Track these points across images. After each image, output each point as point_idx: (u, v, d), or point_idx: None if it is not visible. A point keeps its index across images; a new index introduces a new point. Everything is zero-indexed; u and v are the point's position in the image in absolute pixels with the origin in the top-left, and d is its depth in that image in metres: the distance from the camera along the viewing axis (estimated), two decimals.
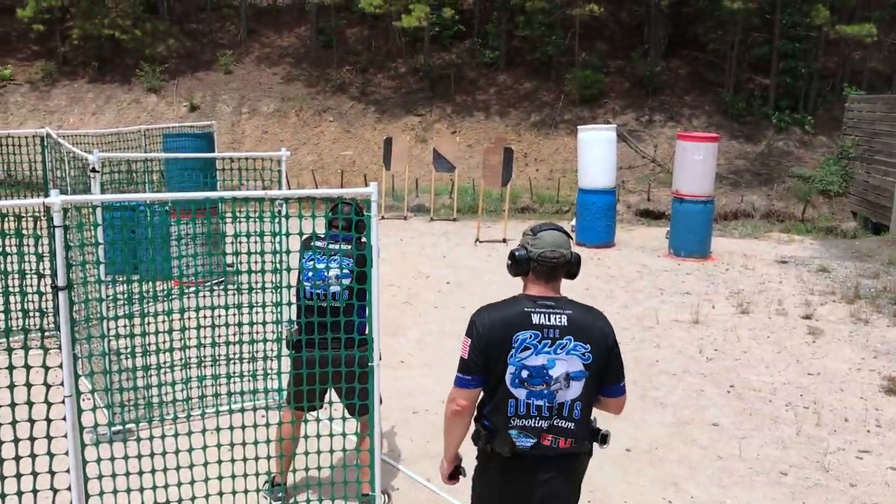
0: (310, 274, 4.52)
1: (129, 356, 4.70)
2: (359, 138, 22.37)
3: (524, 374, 3.00)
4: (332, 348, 4.35)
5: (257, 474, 4.44)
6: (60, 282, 3.61)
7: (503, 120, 22.42)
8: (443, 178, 18.05)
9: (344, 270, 4.52)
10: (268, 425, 4.50)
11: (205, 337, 4.66)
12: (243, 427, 4.36)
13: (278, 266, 4.46)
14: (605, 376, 3.12)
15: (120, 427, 5.53)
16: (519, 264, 3.13)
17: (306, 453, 4.43)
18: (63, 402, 3.67)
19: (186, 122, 18.86)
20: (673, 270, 11.83)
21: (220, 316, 4.65)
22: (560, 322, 3.03)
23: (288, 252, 4.42)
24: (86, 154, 6.18)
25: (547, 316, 3.03)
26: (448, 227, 15.68)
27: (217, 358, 4.66)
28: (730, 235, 15.11)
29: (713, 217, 13.38)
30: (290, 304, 4.63)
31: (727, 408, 6.67)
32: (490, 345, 3.01)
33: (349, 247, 4.49)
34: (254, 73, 25.31)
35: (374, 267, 4.12)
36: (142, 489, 4.08)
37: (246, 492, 4.35)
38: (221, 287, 5.30)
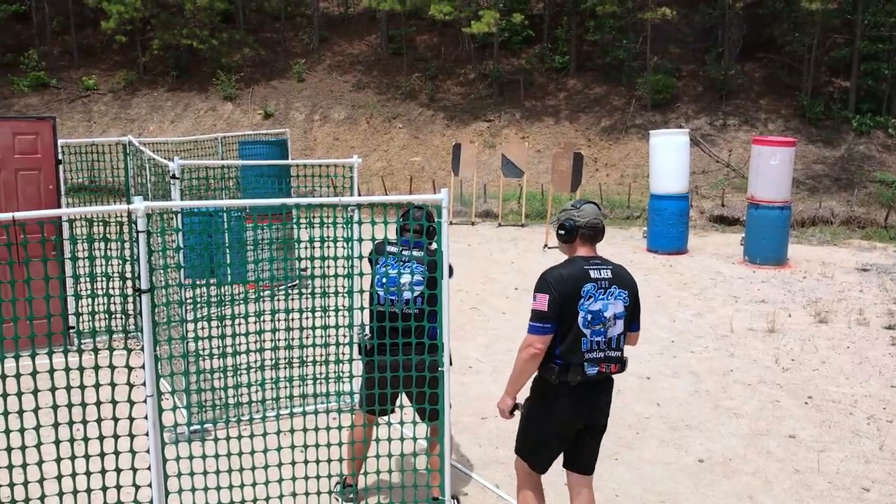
0: (384, 280, 4.57)
1: (206, 358, 4.84)
2: (428, 144, 22.52)
3: (589, 317, 3.79)
4: (403, 353, 4.39)
5: (329, 476, 4.50)
6: (143, 285, 3.73)
7: (573, 125, 22.28)
8: (511, 184, 18.03)
9: (417, 277, 4.56)
10: (340, 428, 4.56)
11: (278, 340, 4.75)
12: (316, 429, 4.43)
13: (350, 271, 4.52)
14: (633, 316, 3.97)
15: (197, 427, 5.68)
16: (570, 233, 3.91)
17: (377, 456, 4.48)
18: (145, 401, 3.79)
19: (261, 130, 19.29)
20: (748, 278, 11.56)
21: (293, 319, 4.75)
22: (607, 275, 3.86)
23: (360, 257, 4.48)
24: (166, 161, 6.38)
25: (598, 271, 3.85)
26: (516, 232, 15.64)
27: (290, 360, 4.75)
28: (807, 242, 14.69)
29: (790, 223, 13.04)
30: (361, 308, 4.68)
31: (805, 420, 6.48)
32: (564, 296, 3.74)
33: (421, 253, 4.53)
34: (326, 80, 25.74)
35: (445, 273, 4.15)
36: (218, 488, 4.18)
37: (318, 493, 4.42)
38: (295, 291, 5.40)
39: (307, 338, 4.67)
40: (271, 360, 5.08)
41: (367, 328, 4.60)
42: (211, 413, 5.77)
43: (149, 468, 3.88)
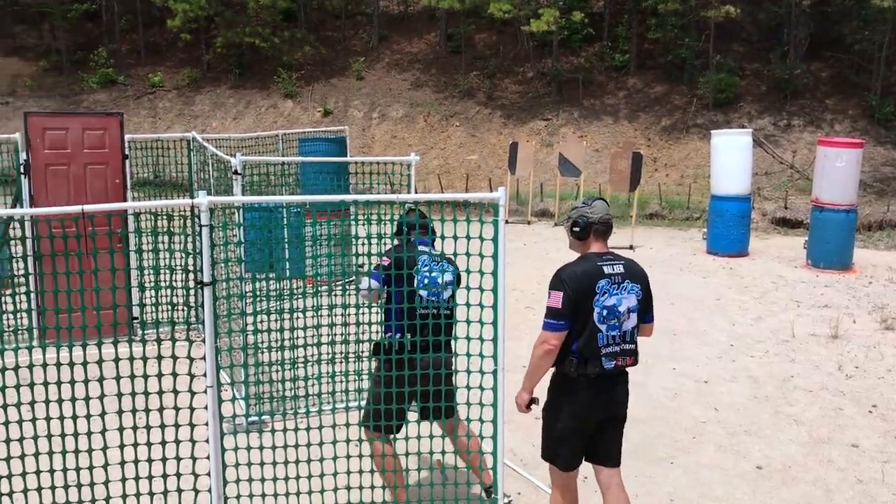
0: (426, 281, 4.58)
1: (264, 350, 4.91)
2: (484, 143, 22.50)
3: (604, 312, 3.87)
4: (442, 351, 4.41)
5: (384, 471, 4.53)
6: (206, 278, 3.81)
7: (632, 124, 22.03)
8: (568, 183, 17.91)
9: (449, 277, 4.60)
10: (387, 423, 4.58)
11: (334, 334, 4.81)
12: None
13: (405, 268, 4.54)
14: (647, 308, 4.06)
15: (255, 418, 5.79)
16: (584, 229, 3.99)
17: (431, 453, 4.49)
18: (205, 391, 3.88)
19: (320, 127, 19.51)
20: (811, 282, 11.28)
21: (349, 314, 4.80)
22: (619, 270, 3.94)
23: (418, 255, 4.50)
24: (228, 157, 6.51)
25: (612, 266, 3.94)
26: None
27: (346, 355, 4.80)
28: (874, 247, 14.28)
29: (855, 227, 12.69)
30: (393, 306, 4.66)
31: (868, 429, 6.30)
32: (579, 293, 3.83)
33: (447, 253, 4.57)
34: (384, 78, 25.90)
35: (502, 272, 4.15)
36: (275, 479, 4.25)
37: (372, 487, 4.45)
38: (352, 286, 5.45)
39: (363, 333, 4.71)
40: (327, 354, 5.15)
41: (394, 327, 4.51)
42: (268, 405, 5.87)
43: (208, 457, 3.96)
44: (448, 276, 4.62)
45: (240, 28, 25.61)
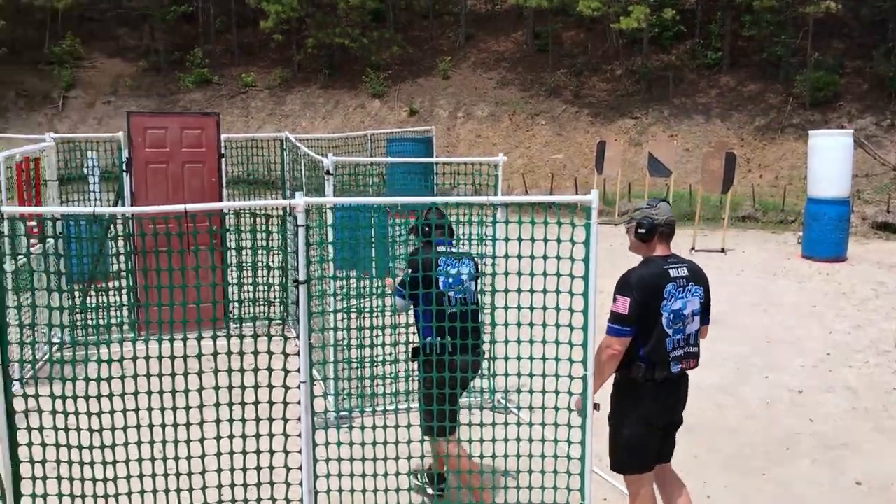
0: (450, 280, 4.56)
1: (355, 348, 4.98)
2: (570, 142, 22.30)
3: (672, 317, 3.84)
4: (466, 353, 4.37)
5: (470, 472, 4.54)
6: (301, 276, 3.89)
7: (724, 123, 21.48)
8: (657, 183, 17.58)
9: (471, 272, 4.60)
10: (481, 424, 4.59)
11: (414, 332, 4.83)
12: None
13: (494, 269, 4.55)
14: (706, 310, 4.05)
15: (345, 413, 5.88)
16: (650, 231, 3.95)
17: (518, 456, 4.47)
18: (298, 387, 3.96)
19: (406, 127, 19.67)
20: None
21: None
22: (684, 273, 3.92)
23: (507, 256, 4.48)
24: (320, 157, 6.63)
25: (677, 269, 3.91)
26: None
27: None
28: None
29: None
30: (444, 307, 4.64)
31: None
32: (646, 298, 3.80)
33: (464, 250, 4.56)
34: (470, 78, 25.95)
35: (592, 275, 4.10)
36: (363, 475, 4.31)
37: (458, 488, 4.47)
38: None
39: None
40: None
41: (433, 329, 4.50)
42: (357, 401, 5.96)
43: (299, 451, 4.04)
44: (467, 273, 4.61)
45: (330, 29, 26.07)
